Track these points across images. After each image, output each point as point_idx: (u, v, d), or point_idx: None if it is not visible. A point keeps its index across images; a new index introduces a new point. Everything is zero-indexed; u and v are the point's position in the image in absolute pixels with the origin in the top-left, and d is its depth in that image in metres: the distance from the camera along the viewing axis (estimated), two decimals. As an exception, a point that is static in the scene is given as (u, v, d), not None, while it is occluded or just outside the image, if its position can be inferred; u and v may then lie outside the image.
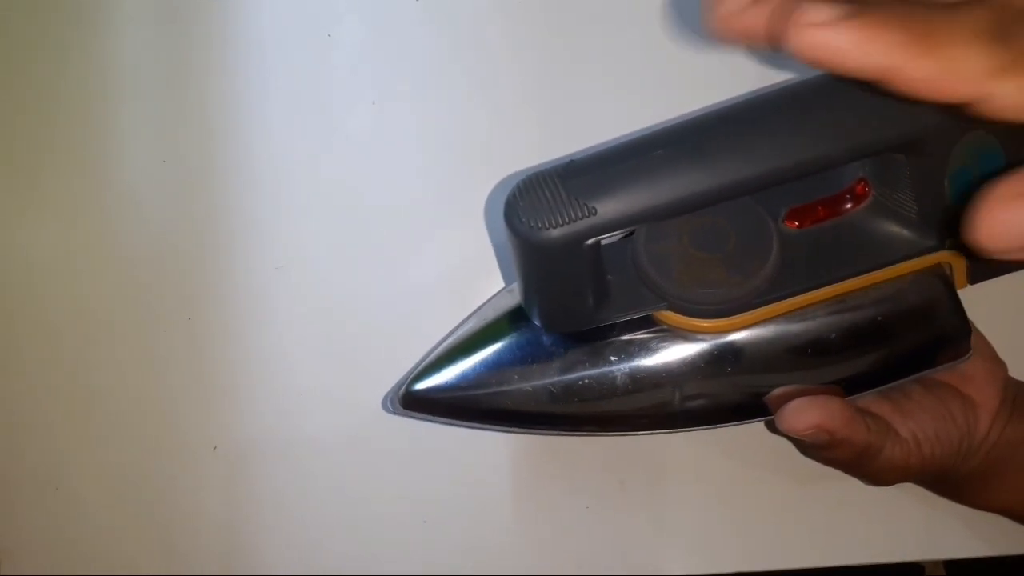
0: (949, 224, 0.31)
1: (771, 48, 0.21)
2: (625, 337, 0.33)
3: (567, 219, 0.27)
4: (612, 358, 0.33)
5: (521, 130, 0.43)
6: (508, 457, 0.40)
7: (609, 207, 0.27)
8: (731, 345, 0.32)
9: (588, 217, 0.27)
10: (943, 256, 0.32)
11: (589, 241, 0.28)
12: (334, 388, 0.41)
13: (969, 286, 0.34)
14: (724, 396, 0.34)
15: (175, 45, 0.45)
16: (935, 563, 0.58)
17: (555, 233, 0.27)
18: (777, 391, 0.33)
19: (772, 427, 0.37)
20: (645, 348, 0.33)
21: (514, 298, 0.35)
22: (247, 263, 0.42)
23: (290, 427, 0.41)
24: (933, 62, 0.19)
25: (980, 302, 0.34)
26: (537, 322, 0.33)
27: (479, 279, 0.41)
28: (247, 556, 0.40)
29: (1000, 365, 0.36)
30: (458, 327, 0.36)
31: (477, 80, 0.45)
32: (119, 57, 0.45)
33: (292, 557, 0.40)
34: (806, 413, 0.32)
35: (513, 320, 0.34)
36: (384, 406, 0.40)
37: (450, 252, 0.42)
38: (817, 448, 0.34)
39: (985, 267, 0.33)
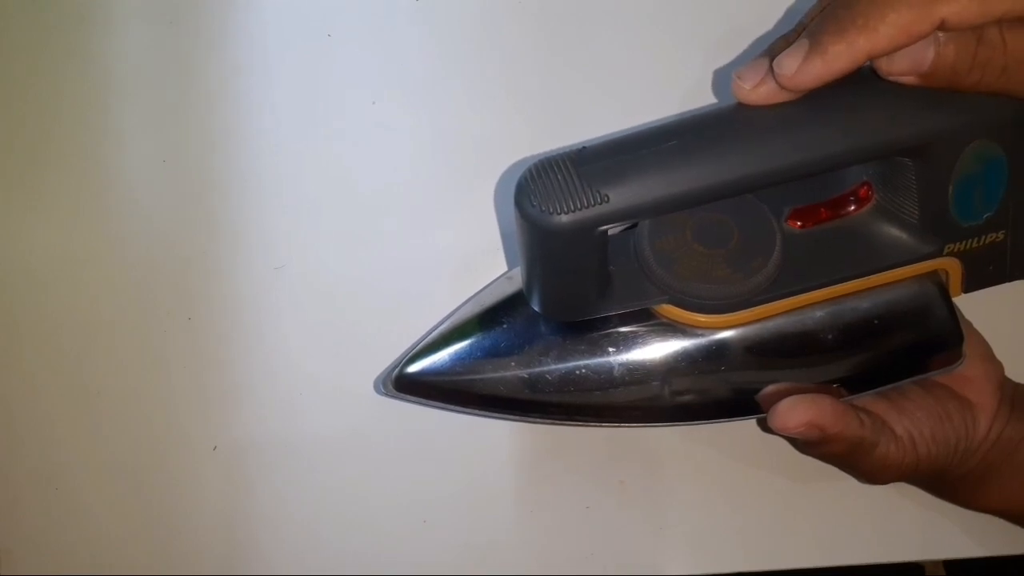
0: (950, 230, 0.32)
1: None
2: (623, 329, 0.33)
3: (579, 205, 0.27)
4: (610, 349, 0.33)
5: (522, 127, 0.43)
6: (507, 457, 0.40)
7: (622, 195, 0.27)
8: (728, 341, 0.33)
9: (600, 204, 0.27)
10: (941, 263, 0.32)
11: (599, 229, 0.28)
12: (335, 385, 0.41)
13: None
14: (719, 392, 0.34)
15: (175, 45, 0.45)
16: (935, 563, 0.58)
17: (566, 219, 0.27)
18: (769, 389, 0.33)
19: (764, 426, 0.37)
20: (643, 341, 0.33)
21: (513, 285, 0.35)
22: (247, 263, 0.42)
23: (290, 426, 0.41)
24: (884, 27, 0.23)
25: (979, 303, 0.34)
26: (537, 309, 0.33)
27: (478, 271, 0.41)
28: (247, 556, 0.40)
29: (997, 366, 0.36)
30: (455, 312, 0.36)
31: (478, 79, 0.45)
32: (119, 57, 0.45)
33: (292, 557, 0.40)
34: (797, 410, 0.32)
35: (511, 306, 0.34)
36: (376, 388, 0.40)
37: (450, 247, 0.42)
38: (810, 445, 0.34)
39: (980, 277, 0.33)
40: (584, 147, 0.28)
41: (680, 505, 0.40)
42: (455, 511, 0.40)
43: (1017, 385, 0.37)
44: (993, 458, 0.35)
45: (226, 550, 0.40)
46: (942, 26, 0.23)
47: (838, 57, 0.24)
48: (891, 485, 0.39)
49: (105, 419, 0.41)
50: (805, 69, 0.25)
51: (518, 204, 0.27)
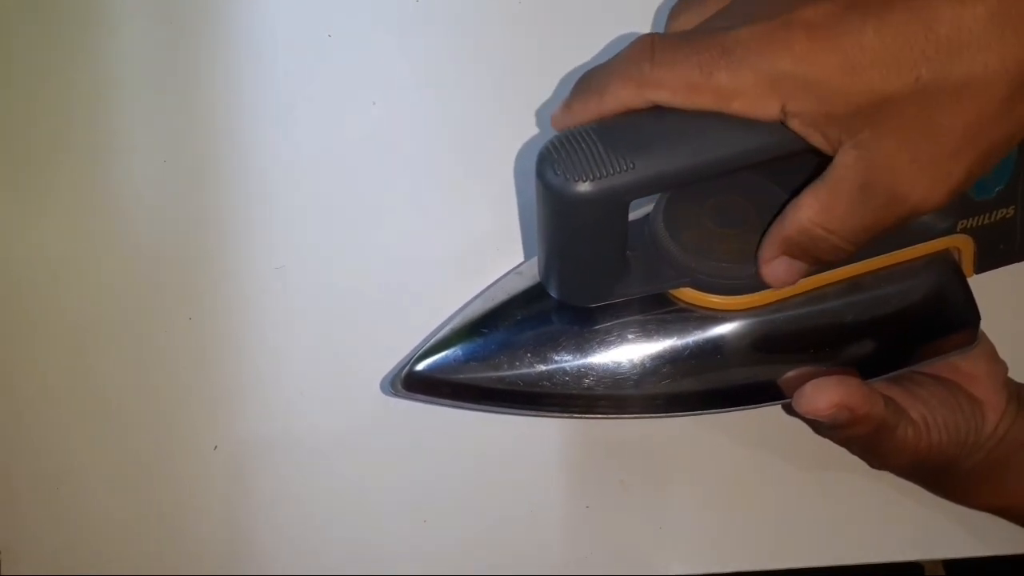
0: (962, 205, 0.32)
1: None
2: (640, 317, 0.33)
3: (604, 172, 0.26)
4: (628, 337, 0.33)
5: (527, 124, 0.43)
6: (507, 457, 0.40)
7: (648, 163, 0.26)
8: (746, 324, 0.32)
9: (625, 172, 0.26)
10: (954, 240, 0.33)
11: (622, 200, 0.27)
12: (336, 384, 0.41)
13: (971, 287, 0.34)
14: (739, 377, 0.34)
15: (176, 45, 0.45)
16: (935, 563, 0.58)
17: (591, 186, 0.26)
18: (791, 373, 0.33)
19: (789, 410, 0.37)
20: (661, 327, 0.33)
21: (524, 279, 0.35)
22: (247, 263, 0.42)
23: (291, 426, 0.41)
24: (608, 96, 0.27)
25: (980, 304, 0.34)
26: (553, 294, 0.33)
27: (482, 269, 0.41)
28: (247, 556, 0.40)
29: (1002, 365, 0.36)
30: (463, 308, 0.36)
31: (478, 79, 0.45)
32: (120, 57, 0.45)
33: (292, 557, 0.40)
34: (826, 392, 0.32)
35: (523, 300, 0.34)
36: (383, 388, 0.40)
37: (454, 246, 0.42)
38: (835, 427, 0.34)
39: (992, 256, 0.33)
40: (603, 121, 0.28)
41: (680, 505, 0.40)
42: (455, 511, 0.40)
43: (1021, 385, 0.37)
44: (999, 455, 0.35)
45: (226, 550, 0.40)
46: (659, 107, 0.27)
47: (578, 113, 0.28)
48: (891, 484, 0.39)
49: (105, 419, 0.41)
50: (558, 116, 0.29)
51: (540, 174, 0.27)
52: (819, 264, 0.29)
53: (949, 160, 0.25)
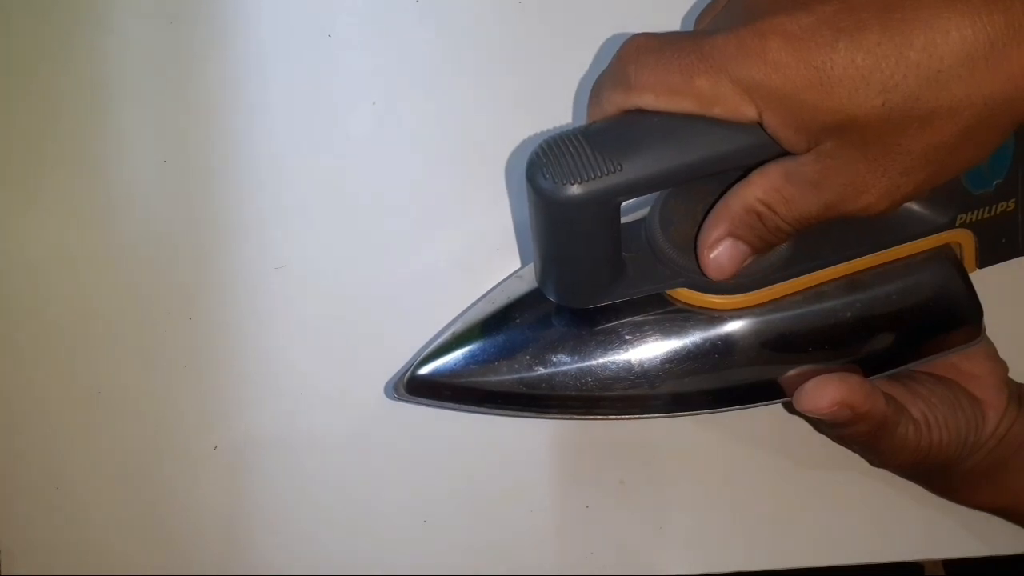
0: (961, 199, 0.32)
1: None
2: (638, 318, 0.33)
3: (592, 175, 0.26)
4: (627, 337, 0.33)
5: (527, 123, 0.43)
6: (507, 457, 0.40)
7: (635, 164, 0.27)
8: (745, 323, 0.32)
9: (614, 173, 0.26)
10: (954, 235, 0.32)
11: (612, 201, 0.28)
12: (336, 385, 0.41)
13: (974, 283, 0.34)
14: (739, 376, 0.34)
15: (175, 45, 0.45)
16: (935, 563, 0.58)
17: (580, 189, 0.27)
18: (792, 372, 0.33)
19: (790, 408, 0.37)
20: (659, 327, 0.33)
21: (524, 283, 0.35)
22: (247, 263, 0.42)
23: (291, 426, 0.41)
24: (605, 102, 0.28)
25: (982, 303, 0.34)
26: (551, 296, 0.33)
27: (485, 272, 0.41)
28: (247, 556, 0.40)
29: (1002, 365, 0.37)
30: (465, 312, 0.36)
31: (479, 78, 0.45)
32: (119, 57, 0.45)
33: (292, 557, 0.40)
34: (827, 390, 0.32)
35: (524, 304, 0.34)
36: (387, 392, 0.40)
37: (456, 247, 0.42)
38: (837, 425, 0.34)
39: (994, 250, 0.33)
40: (591, 123, 0.28)
41: (680, 505, 0.40)
42: (455, 511, 0.40)
43: (1021, 385, 0.37)
44: (999, 455, 0.35)
45: (226, 550, 0.40)
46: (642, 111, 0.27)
47: (591, 115, 0.29)
48: (891, 484, 0.39)
49: (105, 419, 0.41)
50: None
51: (530, 179, 0.27)
52: (760, 247, 0.29)
53: (901, 175, 0.25)
